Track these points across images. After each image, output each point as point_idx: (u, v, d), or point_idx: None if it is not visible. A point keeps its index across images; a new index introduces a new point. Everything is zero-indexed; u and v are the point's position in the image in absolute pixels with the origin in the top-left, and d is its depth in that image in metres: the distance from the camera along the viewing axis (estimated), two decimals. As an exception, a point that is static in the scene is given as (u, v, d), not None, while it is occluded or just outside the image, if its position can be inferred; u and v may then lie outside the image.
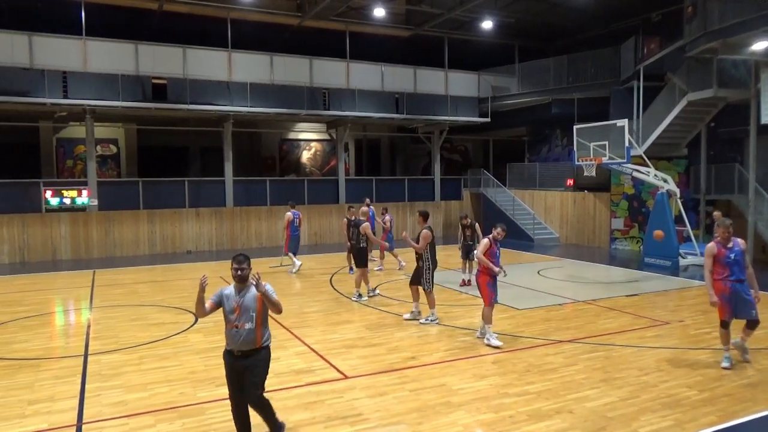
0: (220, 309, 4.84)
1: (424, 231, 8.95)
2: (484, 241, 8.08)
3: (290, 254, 14.28)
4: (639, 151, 16.00)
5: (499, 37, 22.58)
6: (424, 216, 9.33)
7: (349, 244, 12.25)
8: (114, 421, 5.46)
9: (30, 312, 10.32)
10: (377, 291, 11.47)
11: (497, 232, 8.13)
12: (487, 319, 7.93)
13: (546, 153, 24.66)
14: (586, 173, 16.11)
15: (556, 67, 21.51)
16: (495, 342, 7.77)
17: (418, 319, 9.23)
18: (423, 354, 7.54)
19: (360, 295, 11.01)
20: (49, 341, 8.61)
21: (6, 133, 19.33)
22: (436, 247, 9.20)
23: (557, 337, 8.31)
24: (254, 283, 4.73)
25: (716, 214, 13.66)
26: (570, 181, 21.26)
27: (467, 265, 12.41)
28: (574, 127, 16.68)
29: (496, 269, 7.93)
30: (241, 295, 4.80)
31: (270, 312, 4.86)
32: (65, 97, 16.26)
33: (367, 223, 11.63)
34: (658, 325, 9.06)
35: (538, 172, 23.13)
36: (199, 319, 9.37)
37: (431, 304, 9.12)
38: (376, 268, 14.40)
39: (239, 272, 4.79)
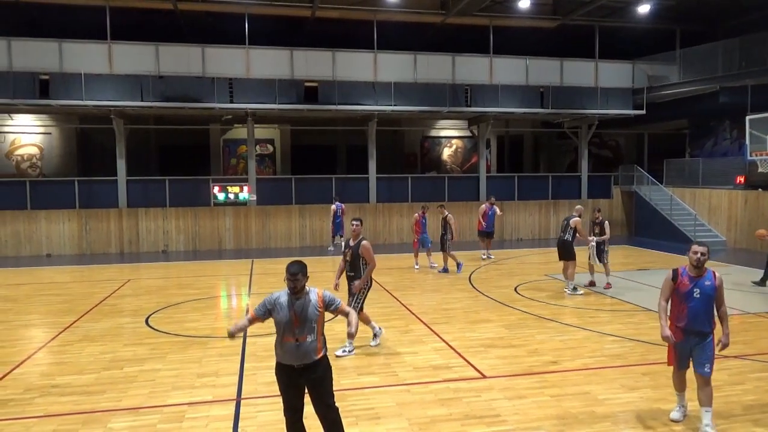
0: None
1: (365, 242, 7.59)
2: (667, 274, 5.29)
3: (338, 236, 17.55)
4: (830, 143, 13.88)
5: (657, 21, 20.78)
6: (361, 222, 7.87)
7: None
8: (267, 399, 5.96)
9: (200, 295, 11.59)
10: (580, 291, 11.25)
11: (695, 255, 5.07)
12: (675, 386, 5.48)
13: (711, 147, 22.27)
14: (760, 169, 14.38)
15: (726, 51, 19.27)
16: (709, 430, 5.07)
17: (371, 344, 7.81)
18: (565, 359, 7.25)
19: (575, 288, 11.16)
20: (215, 322, 9.61)
21: (182, 136, 21.88)
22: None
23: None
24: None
25: None
26: (740, 179, 18.98)
27: (599, 267, 11.66)
28: (747, 117, 14.93)
29: (666, 332, 5.15)
30: (299, 306, 4.34)
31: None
32: (231, 101, 17.98)
33: (578, 218, 11.28)
34: None
35: (702, 168, 20.97)
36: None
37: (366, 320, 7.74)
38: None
39: (293, 284, 4.32)
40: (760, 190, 17.84)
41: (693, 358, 5.20)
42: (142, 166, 21.24)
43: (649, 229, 20.93)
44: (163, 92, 17.47)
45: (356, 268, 7.58)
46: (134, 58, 17.73)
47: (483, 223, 15.89)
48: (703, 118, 22.30)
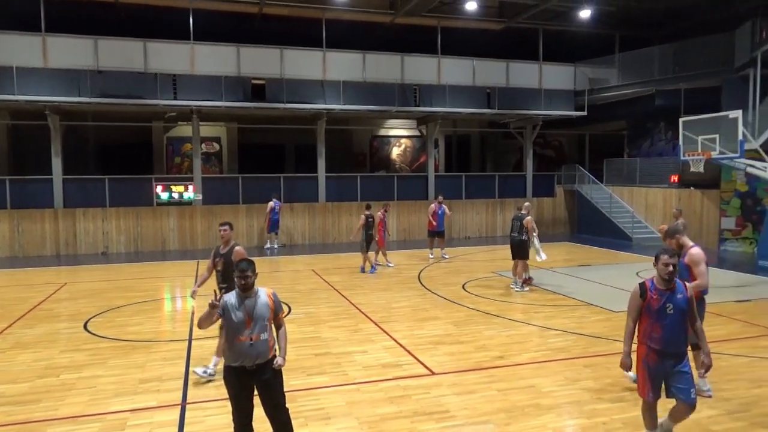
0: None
1: (239, 248, 6.59)
2: (633, 288, 4.65)
3: (272, 234, 18.10)
4: (755, 144, 14.72)
5: (598, 26, 21.55)
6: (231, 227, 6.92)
7: (361, 239, 13.67)
8: (214, 402, 5.82)
9: (143, 297, 11.21)
10: (526, 288, 11.46)
11: (666, 267, 4.42)
12: (646, 423, 4.76)
13: (648, 147, 23.29)
14: (693, 169, 15.08)
15: (661, 56, 20.20)
16: None
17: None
18: (512, 354, 7.42)
19: (523, 285, 11.43)
20: (158, 325, 9.32)
21: (122, 133, 21.10)
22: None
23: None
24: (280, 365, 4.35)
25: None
26: (674, 178, 19.96)
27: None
28: (681, 119, 15.66)
29: (626, 361, 4.64)
30: (250, 304, 4.31)
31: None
32: (175, 98, 17.47)
33: (530, 217, 11.57)
34: (774, 334, 8.31)
35: (639, 167, 21.91)
36: (293, 310, 9.80)
37: (219, 351, 6.50)
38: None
39: (243, 281, 4.29)
40: (692, 188, 18.80)
41: (672, 384, 4.52)
42: (80, 164, 20.30)
43: (590, 227, 21.69)
44: (102, 88, 16.79)
45: (230, 279, 6.09)
46: (71, 51, 16.92)
47: (434, 222, 16.05)
48: (640, 119, 23.30)
